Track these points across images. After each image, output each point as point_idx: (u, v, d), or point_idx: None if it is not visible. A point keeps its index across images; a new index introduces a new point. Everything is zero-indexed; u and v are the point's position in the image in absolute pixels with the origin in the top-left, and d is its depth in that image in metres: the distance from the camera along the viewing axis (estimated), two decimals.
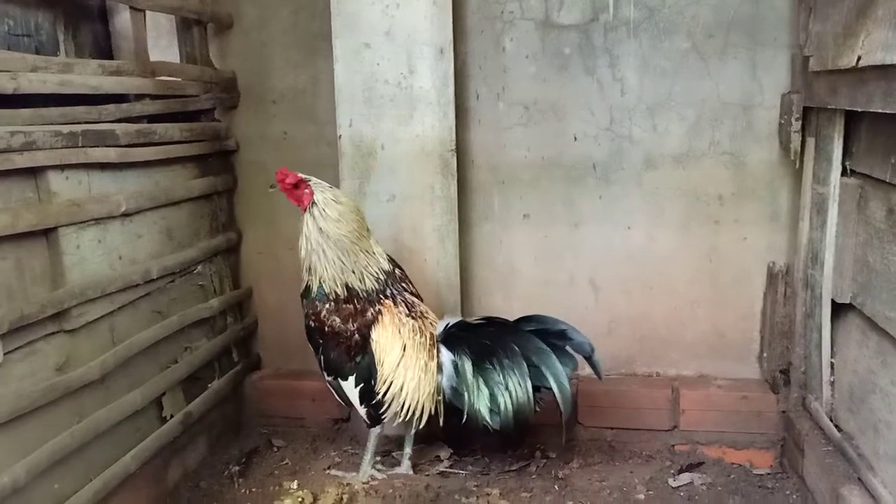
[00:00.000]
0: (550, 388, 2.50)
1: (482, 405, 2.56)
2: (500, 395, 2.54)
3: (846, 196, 2.43)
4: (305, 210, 2.56)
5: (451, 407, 2.61)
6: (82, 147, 2.27)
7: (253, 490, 2.76)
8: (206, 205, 3.06)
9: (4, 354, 1.95)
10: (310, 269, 2.59)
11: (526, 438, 2.75)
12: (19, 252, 2.05)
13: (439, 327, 2.66)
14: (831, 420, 2.54)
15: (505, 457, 2.95)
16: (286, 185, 2.56)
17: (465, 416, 2.58)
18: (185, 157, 2.88)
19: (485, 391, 2.56)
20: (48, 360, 2.15)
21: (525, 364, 2.51)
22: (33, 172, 2.11)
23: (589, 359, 2.56)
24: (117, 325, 2.46)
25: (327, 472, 2.86)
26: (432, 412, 2.61)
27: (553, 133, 3.05)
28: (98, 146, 2.34)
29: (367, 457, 2.77)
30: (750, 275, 3.02)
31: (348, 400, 2.68)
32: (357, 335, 2.56)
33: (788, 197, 2.93)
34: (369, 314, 2.57)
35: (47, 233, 2.15)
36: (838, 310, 2.53)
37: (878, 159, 2.19)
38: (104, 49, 2.96)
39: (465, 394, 2.57)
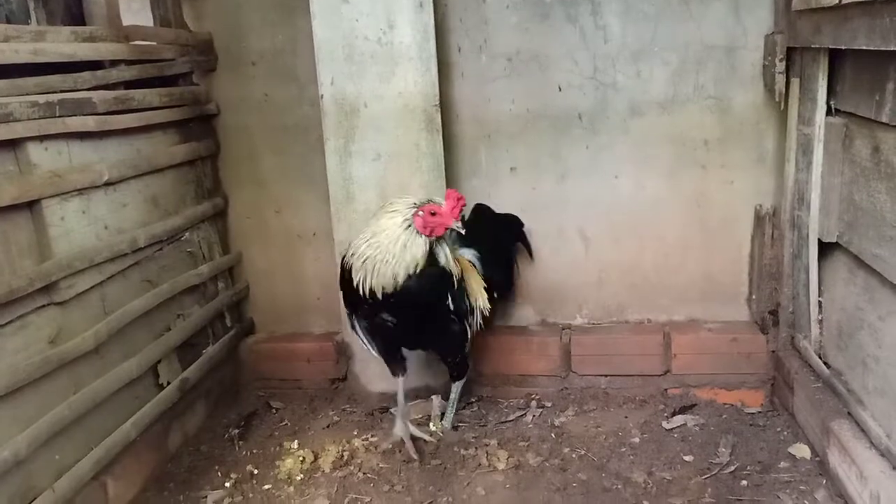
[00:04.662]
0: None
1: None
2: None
3: (831, 136, 2.43)
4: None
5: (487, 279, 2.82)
6: (60, 117, 2.24)
7: (254, 452, 2.79)
8: (190, 171, 3.03)
9: None
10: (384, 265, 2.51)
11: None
12: (4, 226, 2.04)
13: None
14: (820, 357, 2.59)
15: (501, 408, 3.00)
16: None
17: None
18: (165, 123, 2.84)
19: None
20: (40, 332, 2.14)
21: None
22: (12, 144, 2.08)
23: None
24: (108, 295, 2.45)
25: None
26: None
27: (537, 84, 3.02)
28: (76, 115, 2.31)
29: (451, 409, 2.84)
30: (737, 218, 3.04)
31: (468, 335, 2.73)
32: None
33: (774, 139, 2.93)
34: None
35: (31, 205, 2.13)
36: (825, 249, 2.56)
37: (863, 97, 2.19)
38: (76, 15, 2.88)
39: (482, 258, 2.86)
